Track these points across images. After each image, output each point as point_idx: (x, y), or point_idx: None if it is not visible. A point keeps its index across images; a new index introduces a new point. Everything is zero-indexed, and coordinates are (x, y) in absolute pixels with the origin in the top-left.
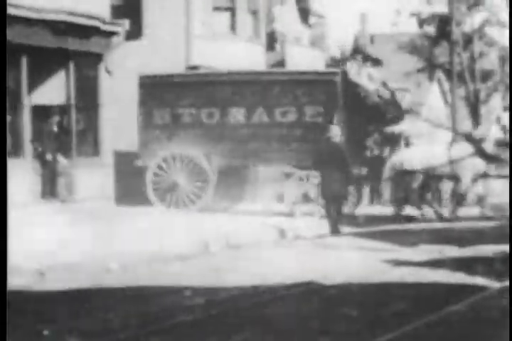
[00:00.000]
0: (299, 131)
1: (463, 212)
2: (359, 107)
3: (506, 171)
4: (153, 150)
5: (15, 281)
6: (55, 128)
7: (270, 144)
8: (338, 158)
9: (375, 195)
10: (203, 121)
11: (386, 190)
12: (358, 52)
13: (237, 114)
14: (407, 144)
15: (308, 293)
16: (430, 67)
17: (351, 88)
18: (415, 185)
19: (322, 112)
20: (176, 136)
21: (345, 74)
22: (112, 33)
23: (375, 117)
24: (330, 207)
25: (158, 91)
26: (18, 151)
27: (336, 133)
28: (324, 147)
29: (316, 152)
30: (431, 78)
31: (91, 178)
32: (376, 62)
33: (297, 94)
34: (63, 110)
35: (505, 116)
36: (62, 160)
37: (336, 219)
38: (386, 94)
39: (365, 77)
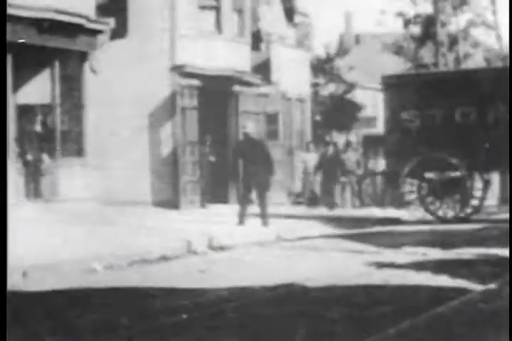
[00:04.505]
0: None
1: None
2: None
3: None
4: (404, 156)
5: None
6: (39, 128)
7: None
8: (259, 150)
9: None
10: (457, 121)
11: None
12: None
13: (498, 112)
14: None
15: (292, 295)
16: (416, 67)
17: None
18: None
19: None
20: (429, 139)
21: None
22: (97, 32)
23: None
24: (247, 197)
25: (406, 93)
26: None
27: (251, 129)
28: (244, 141)
29: (237, 145)
30: None
31: (75, 179)
32: None
33: None
34: (48, 109)
35: None
36: (46, 160)
37: (263, 210)
38: None
39: None
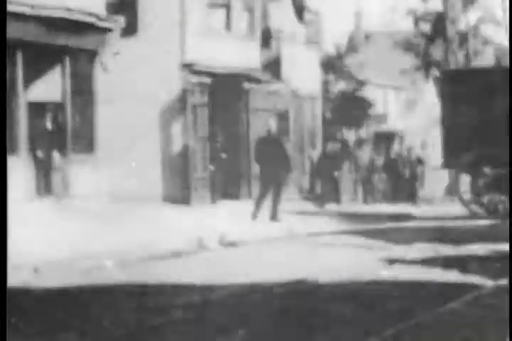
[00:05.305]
0: None
1: None
2: None
3: None
4: (461, 153)
5: (10, 278)
6: (50, 125)
7: None
8: (277, 147)
9: None
10: None
11: None
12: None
13: None
14: None
15: (302, 290)
16: (426, 65)
17: None
18: None
19: None
20: (484, 134)
21: None
22: (107, 30)
23: None
24: (265, 194)
25: (465, 88)
26: (12, 148)
27: (273, 126)
28: (265, 138)
29: (258, 142)
30: (426, 76)
31: (86, 175)
32: None
33: None
34: (58, 106)
35: None
36: (56, 156)
37: (275, 205)
38: None
39: None
